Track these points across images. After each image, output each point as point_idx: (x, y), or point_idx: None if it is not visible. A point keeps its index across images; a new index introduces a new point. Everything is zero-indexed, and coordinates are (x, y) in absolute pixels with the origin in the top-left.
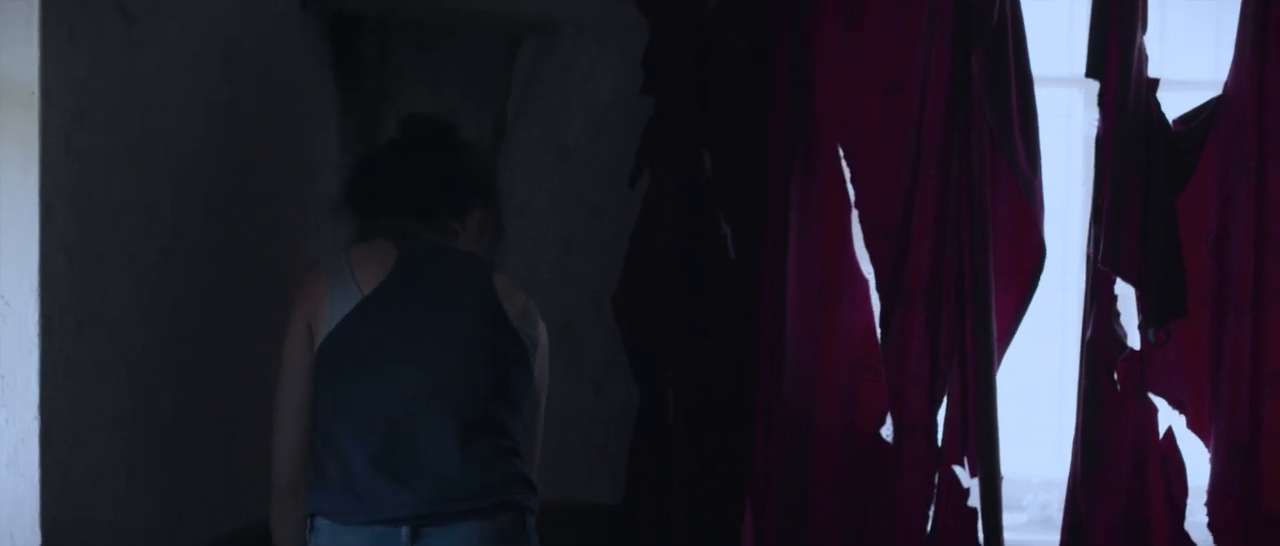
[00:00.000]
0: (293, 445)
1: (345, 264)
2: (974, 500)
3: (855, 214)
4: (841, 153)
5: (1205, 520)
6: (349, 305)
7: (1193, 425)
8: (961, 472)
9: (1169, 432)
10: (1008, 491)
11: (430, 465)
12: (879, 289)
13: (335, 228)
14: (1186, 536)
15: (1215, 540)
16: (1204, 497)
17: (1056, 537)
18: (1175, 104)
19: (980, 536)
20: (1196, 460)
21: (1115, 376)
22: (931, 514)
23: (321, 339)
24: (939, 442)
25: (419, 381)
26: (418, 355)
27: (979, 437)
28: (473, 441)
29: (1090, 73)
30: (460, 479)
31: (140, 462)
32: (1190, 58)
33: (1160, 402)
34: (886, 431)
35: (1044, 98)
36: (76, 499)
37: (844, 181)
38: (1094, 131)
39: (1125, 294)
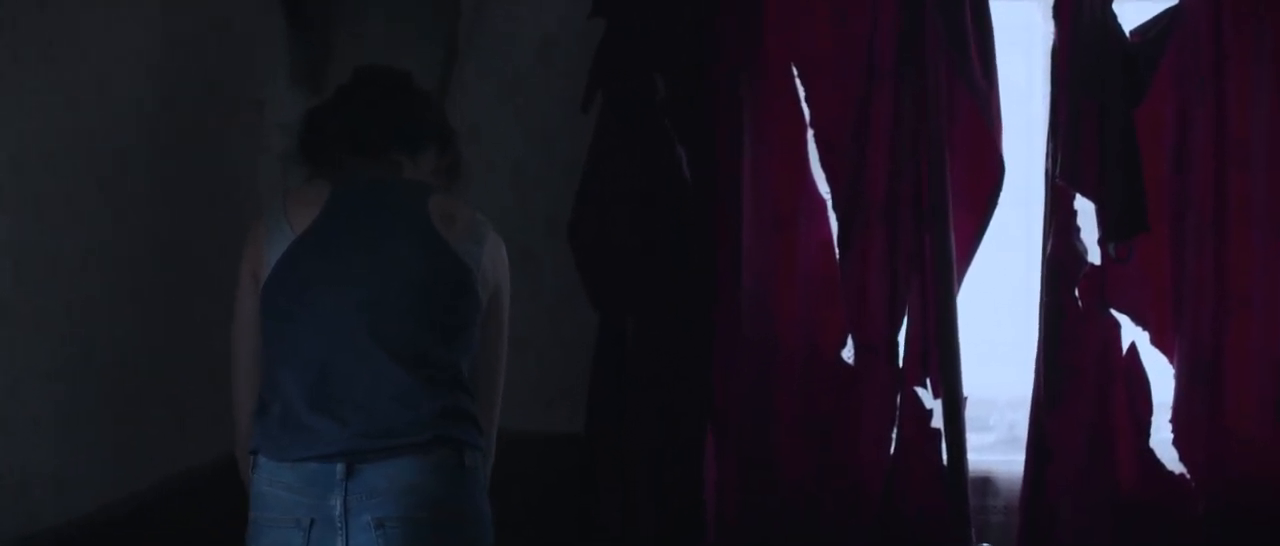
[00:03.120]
0: (250, 392)
1: (281, 208)
2: (937, 421)
3: (810, 133)
4: (795, 72)
5: (1170, 437)
6: (284, 246)
7: (1156, 341)
8: (924, 393)
9: (1132, 349)
10: (974, 411)
11: (362, 398)
12: (836, 208)
13: (286, 177)
14: (1151, 453)
15: (1180, 457)
16: (1169, 414)
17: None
18: (1131, 16)
19: (944, 458)
20: (1161, 376)
21: (1076, 293)
22: (894, 436)
23: (262, 284)
24: (900, 364)
25: (350, 314)
26: (348, 287)
27: (941, 357)
28: (405, 373)
29: None
30: (391, 412)
31: (81, 410)
32: None
33: (1123, 319)
34: (847, 353)
35: (1002, 12)
36: (14, 448)
37: (798, 101)
38: (1051, 46)
39: (1085, 209)
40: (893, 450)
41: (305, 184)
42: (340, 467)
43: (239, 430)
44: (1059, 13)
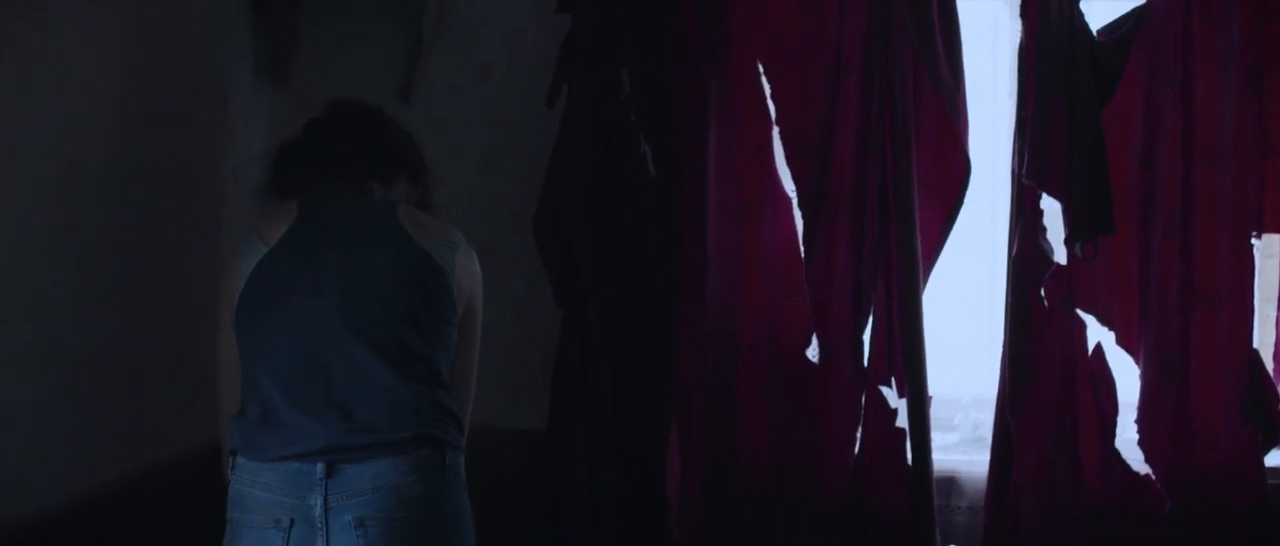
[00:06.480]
0: (232, 396)
1: (251, 231)
2: (902, 420)
3: (775, 130)
4: (761, 69)
5: (1135, 437)
6: (256, 259)
7: (1122, 341)
8: (889, 393)
9: (1098, 349)
10: (939, 410)
11: (341, 392)
12: (801, 205)
13: (258, 209)
14: (1117, 453)
15: (1145, 456)
16: (1134, 414)
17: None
18: (1099, 14)
19: (909, 457)
20: (1126, 376)
21: (1042, 292)
22: (859, 434)
23: (237, 295)
24: (865, 362)
25: (326, 311)
26: (322, 286)
27: (906, 357)
28: (382, 365)
29: None
30: (371, 409)
31: (46, 401)
32: None
33: (1089, 318)
34: (812, 351)
35: (969, 11)
36: None
37: (764, 98)
38: (1018, 44)
39: (1052, 208)
40: (857, 449)
41: (276, 208)
42: (321, 467)
43: (222, 434)
44: (1026, 11)
